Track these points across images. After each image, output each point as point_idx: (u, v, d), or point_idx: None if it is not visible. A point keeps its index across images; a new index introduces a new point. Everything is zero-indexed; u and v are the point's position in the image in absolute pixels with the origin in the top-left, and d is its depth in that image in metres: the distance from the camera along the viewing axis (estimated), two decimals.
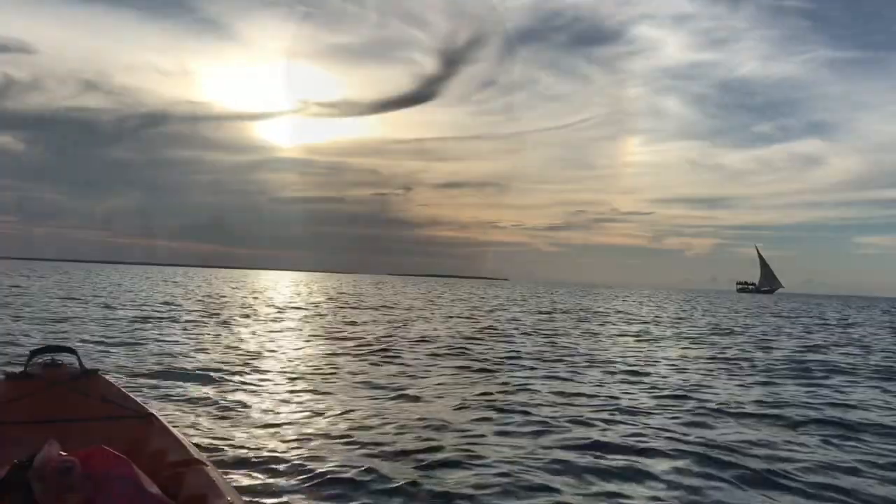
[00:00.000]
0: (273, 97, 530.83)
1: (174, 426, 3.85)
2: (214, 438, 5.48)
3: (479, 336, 15.83)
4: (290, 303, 28.63)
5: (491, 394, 7.96)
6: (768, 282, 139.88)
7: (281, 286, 57.02)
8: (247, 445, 5.32)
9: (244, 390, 7.66)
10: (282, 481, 4.57)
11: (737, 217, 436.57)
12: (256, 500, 4.22)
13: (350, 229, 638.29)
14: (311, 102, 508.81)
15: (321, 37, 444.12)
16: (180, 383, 7.84)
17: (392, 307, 28.41)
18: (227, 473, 4.51)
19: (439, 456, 5.17)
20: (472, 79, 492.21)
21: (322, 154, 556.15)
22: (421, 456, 5.14)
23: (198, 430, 5.74)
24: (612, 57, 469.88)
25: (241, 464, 4.89)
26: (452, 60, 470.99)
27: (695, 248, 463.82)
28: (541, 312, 29.10)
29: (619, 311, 33.38)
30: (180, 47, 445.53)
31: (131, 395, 4.09)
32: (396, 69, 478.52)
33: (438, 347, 12.94)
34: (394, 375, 9.20)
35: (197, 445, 3.92)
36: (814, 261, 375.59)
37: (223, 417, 6.27)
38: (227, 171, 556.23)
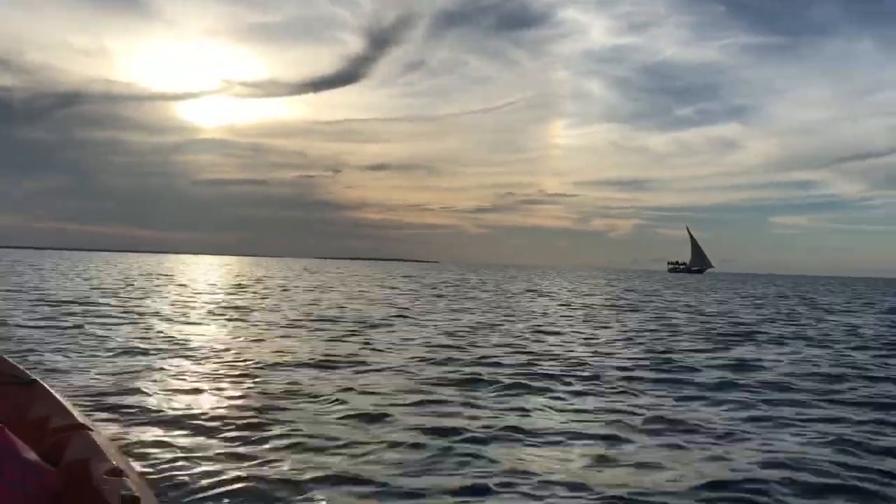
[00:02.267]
0: (195, 77, 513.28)
1: (59, 392, 3.82)
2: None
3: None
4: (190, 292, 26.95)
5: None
6: (699, 261, 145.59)
7: (199, 272, 55.92)
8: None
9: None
10: (171, 439, 5.09)
11: (658, 199, 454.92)
12: (146, 461, 4.56)
13: (276, 212, 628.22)
14: (234, 82, 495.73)
15: (245, 15, 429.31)
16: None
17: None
18: (116, 438, 4.92)
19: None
20: (400, 60, 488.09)
21: (246, 135, 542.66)
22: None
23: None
24: (538, 40, 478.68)
25: (132, 425, 5.40)
26: (379, 41, 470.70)
27: (618, 230, 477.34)
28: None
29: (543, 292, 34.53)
30: (97, 24, 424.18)
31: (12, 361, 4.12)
32: (322, 49, 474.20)
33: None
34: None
35: (82, 410, 3.97)
36: (733, 241, 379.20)
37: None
38: (148, 153, 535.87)
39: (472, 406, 6.76)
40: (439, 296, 27.79)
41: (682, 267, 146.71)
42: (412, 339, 12.02)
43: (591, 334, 14.09)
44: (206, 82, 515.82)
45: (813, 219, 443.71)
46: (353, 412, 6.25)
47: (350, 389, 7.31)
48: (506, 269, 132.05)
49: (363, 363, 9.17)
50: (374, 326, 14.15)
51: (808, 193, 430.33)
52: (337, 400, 6.74)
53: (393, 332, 13.32)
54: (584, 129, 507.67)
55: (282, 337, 11.84)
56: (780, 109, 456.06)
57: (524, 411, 6.59)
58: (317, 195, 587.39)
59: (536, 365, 9.51)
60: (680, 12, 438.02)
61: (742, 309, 26.07)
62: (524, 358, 10.11)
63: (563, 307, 23.06)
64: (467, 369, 8.88)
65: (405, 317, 16.84)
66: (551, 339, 13.01)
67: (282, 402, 6.60)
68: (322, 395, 6.95)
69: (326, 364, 8.99)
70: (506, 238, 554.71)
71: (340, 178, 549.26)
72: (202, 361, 8.90)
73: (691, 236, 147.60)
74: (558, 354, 10.67)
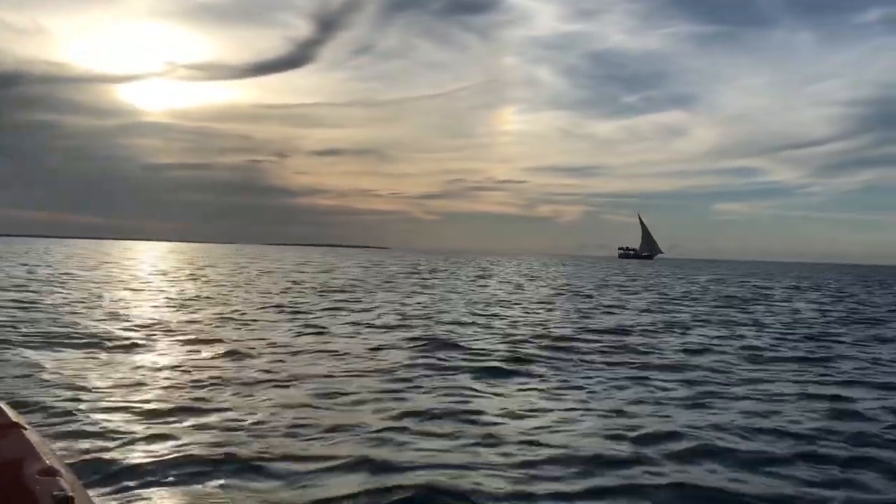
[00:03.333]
0: (138, 59, 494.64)
1: None
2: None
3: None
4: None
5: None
6: (648, 247, 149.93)
7: (142, 258, 54.89)
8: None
9: None
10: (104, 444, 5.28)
11: (605, 185, 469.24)
12: (82, 462, 4.70)
13: (223, 197, 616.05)
14: (178, 65, 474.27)
15: None
16: None
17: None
18: (51, 436, 5.12)
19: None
20: (349, 44, 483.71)
21: (191, 119, 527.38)
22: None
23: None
24: (487, 25, 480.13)
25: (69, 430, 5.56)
26: (327, 24, 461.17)
27: (565, 216, 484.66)
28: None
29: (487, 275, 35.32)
30: (35, 3, 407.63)
31: None
32: (269, 32, 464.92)
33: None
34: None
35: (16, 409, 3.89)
36: (678, 227, 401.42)
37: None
38: (90, 137, 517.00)
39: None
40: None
41: (632, 253, 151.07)
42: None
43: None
44: (150, 64, 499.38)
45: (754, 205, 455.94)
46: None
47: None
48: (455, 255, 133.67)
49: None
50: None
51: (749, 180, 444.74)
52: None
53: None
54: (533, 115, 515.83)
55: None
56: (724, 98, 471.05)
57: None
58: (265, 180, 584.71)
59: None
60: (627, 0, 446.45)
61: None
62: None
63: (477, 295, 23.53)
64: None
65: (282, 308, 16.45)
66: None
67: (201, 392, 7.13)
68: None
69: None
70: (455, 224, 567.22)
71: (289, 163, 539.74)
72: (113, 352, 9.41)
73: (642, 223, 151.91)
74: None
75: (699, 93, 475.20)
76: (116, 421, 5.94)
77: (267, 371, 8.40)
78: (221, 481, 4.62)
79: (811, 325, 16.64)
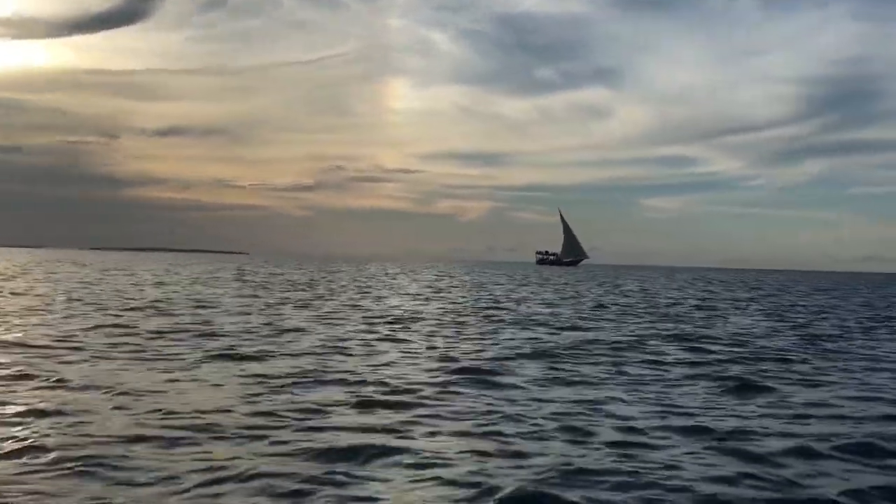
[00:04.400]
0: None
1: None
2: None
3: None
4: None
5: None
6: (573, 251, 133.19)
7: None
8: None
9: None
10: None
11: (515, 176, 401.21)
12: None
13: (29, 189, 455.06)
14: None
15: None
16: None
17: None
18: None
19: None
20: None
21: None
22: None
23: None
24: None
25: None
26: None
27: (468, 213, 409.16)
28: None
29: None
30: None
31: None
32: None
33: None
34: None
35: None
36: (599, 226, 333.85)
37: None
38: None
39: None
40: None
41: (552, 258, 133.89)
42: None
43: None
44: None
45: (687, 200, 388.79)
46: None
47: None
48: (333, 262, 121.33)
49: None
50: None
51: (682, 171, 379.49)
52: None
53: None
54: (428, 90, 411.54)
55: None
56: (653, 72, 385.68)
57: None
58: (87, 167, 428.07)
59: None
60: None
61: None
62: None
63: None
64: None
65: None
66: None
67: None
68: None
69: None
70: (333, 223, 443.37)
71: (119, 145, 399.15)
72: None
73: (564, 222, 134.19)
74: None
75: (624, 66, 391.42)
76: None
77: None
78: None
79: None
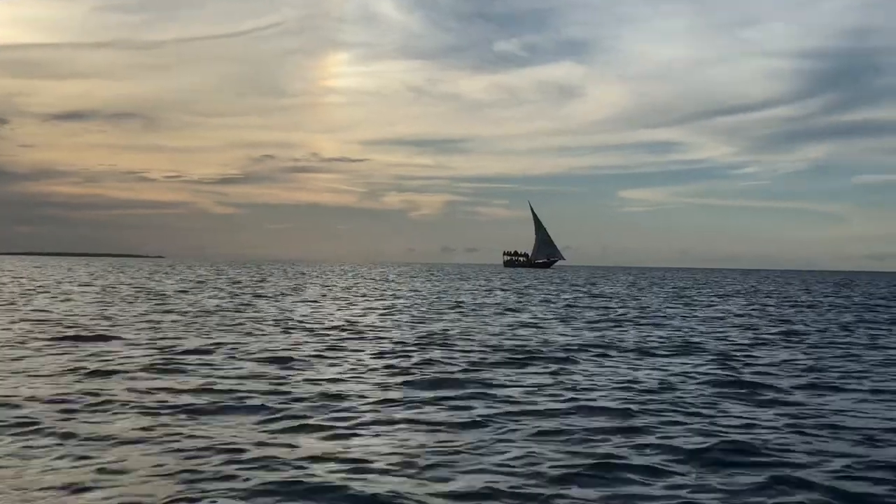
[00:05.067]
0: None
1: None
2: None
3: None
4: None
5: None
6: (545, 251, 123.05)
7: None
8: None
9: None
10: None
11: (475, 165, 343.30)
12: None
13: None
14: None
15: None
16: None
17: None
18: None
19: None
20: None
21: None
22: None
23: None
24: None
25: None
26: None
27: (422, 208, 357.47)
28: None
29: None
30: None
31: None
32: None
33: None
34: None
35: None
36: (571, 222, 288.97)
37: None
38: None
39: None
40: None
41: (521, 259, 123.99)
42: None
43: None
44: None
45: (671, 192, 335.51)
46: None
47: None
48: (264, 266, 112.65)
49: None
50: None
51: (665, 158, 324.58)
52: None
53: None
54: (373, 66, 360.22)
55: None
56: (631, 45, 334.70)
57: None
58: None
59: None
60: None
61: None
62: None
63: None
64: None
65: None
66: None
67: None
68: None
69: None
70: (264, 221, 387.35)
71: (9, 132, 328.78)
72: None
73: (536, 218, 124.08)
74: None
75: (598, 38, 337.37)
76: None
77: None
78: None
79: None
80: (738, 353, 13.58)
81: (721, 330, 18.54)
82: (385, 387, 9.48)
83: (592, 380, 10.37)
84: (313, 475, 5.72)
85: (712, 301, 33.70)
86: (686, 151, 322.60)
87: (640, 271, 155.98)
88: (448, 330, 17.04)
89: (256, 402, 8.32)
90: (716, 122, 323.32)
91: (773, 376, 10.94)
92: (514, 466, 6.08)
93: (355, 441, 6.80)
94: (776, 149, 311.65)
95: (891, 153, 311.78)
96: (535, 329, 17.83)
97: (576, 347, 14.04)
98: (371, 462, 6.09)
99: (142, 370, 10.42)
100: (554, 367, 11.42)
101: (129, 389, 8.91)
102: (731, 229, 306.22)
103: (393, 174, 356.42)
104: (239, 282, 45.07)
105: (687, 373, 11.12)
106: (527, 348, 13.69)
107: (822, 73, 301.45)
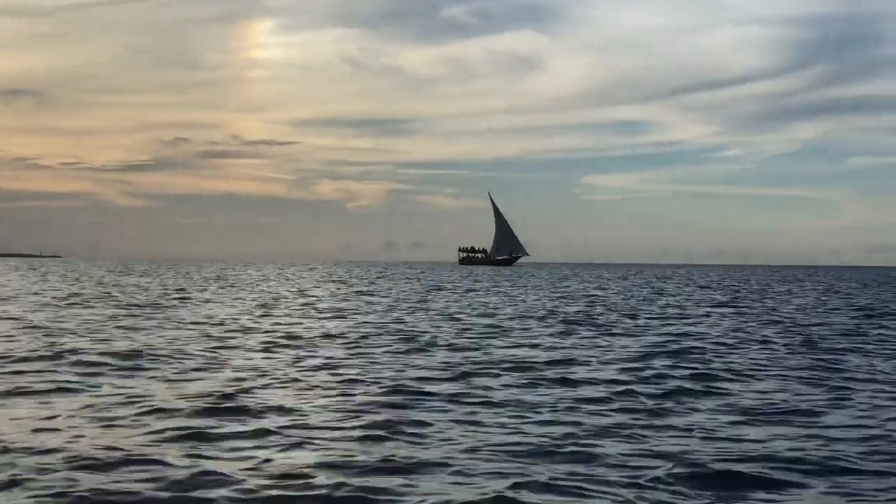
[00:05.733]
0: None
1: None
2: None
3: None
4: None
5: None
6: (508, 245, 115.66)
7: None
8: None
9: None
10: None
11: (421, 149, 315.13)
12: None
13: None
14: None
15: None
16: None
17: None
18: None
19: None
20: None
21: None
22: None
23: None
24: None
25: None
26: None
27: (360, 198, 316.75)
28: None
29: None
30: None
31: None
32: None
33: None
34: None
35: None
36: (528, 212, 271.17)
37: None
38: None
39: None
40: None
41: (479, 256, 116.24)
42: None
43: None
44: None
45: (643, 178, 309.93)
46: None
47: None
48: (177, 266, 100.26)
49: None
50: None
51: (636, 140, 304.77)
52: None
53: None
54: (303, 35, 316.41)
55: None
56: (596, 11, 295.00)
57: None
58: None
59: None
60: None
61: None
62: None
63: None
64: None
65: None
66: None
67: None
68: None
69: None
70: (177, 214, 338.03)
71: None
72: None
73: (496, 208, 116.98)
74: None
75: (561, 4, 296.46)
76: None
77: None
78: None
79: None
80: None
81: None
82: None
83: None
84: None
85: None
86: (659, 132, 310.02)
87: (612, 268, 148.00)
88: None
89: None
90: (693, 99, 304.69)
91: None
92: None
93: None
94: (761, 128, 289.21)
95: (890, 132, 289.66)
96: None
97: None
98: None
99: None
100: None
101: None
102: (711, 220, 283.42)
103: (326, 159, 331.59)
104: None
105: None
106: None
107: (812, 42, 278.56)
